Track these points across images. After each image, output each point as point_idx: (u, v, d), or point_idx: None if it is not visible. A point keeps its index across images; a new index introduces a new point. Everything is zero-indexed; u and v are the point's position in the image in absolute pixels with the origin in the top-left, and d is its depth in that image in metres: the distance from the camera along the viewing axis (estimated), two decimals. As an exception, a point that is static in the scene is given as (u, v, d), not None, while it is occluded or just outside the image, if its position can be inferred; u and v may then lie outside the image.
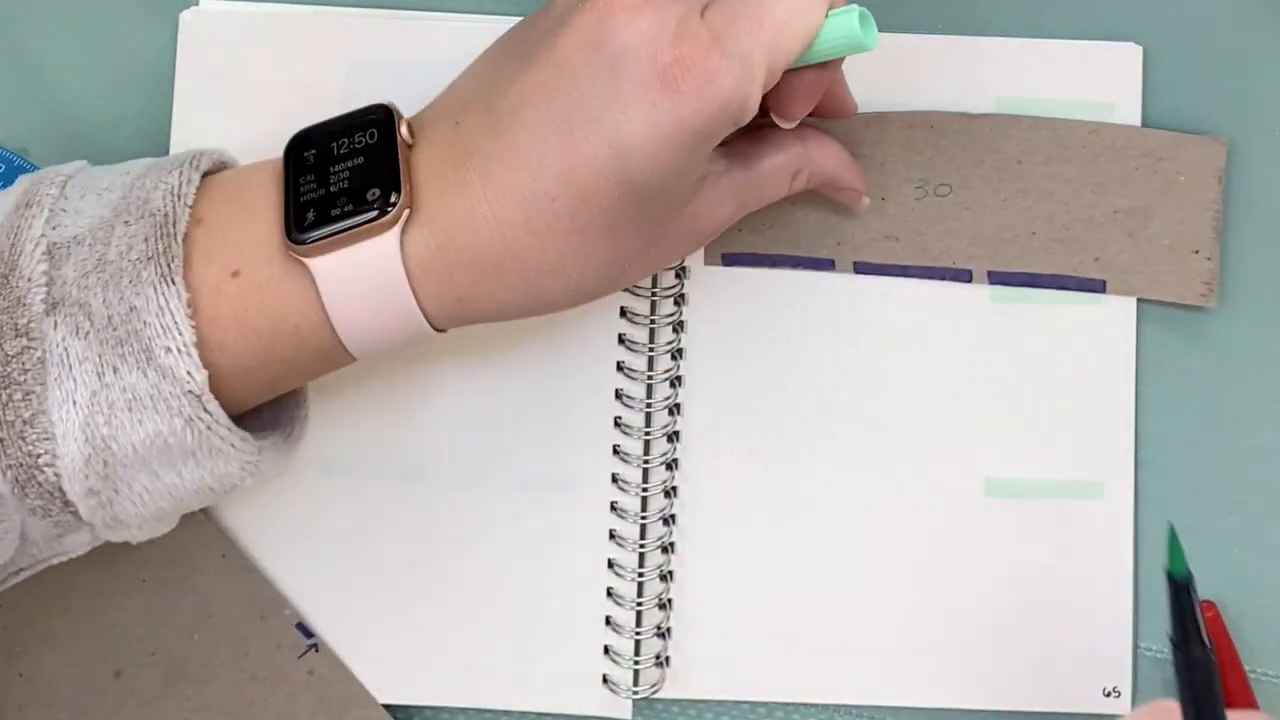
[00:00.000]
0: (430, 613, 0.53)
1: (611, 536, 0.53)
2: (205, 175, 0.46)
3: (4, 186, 0.53)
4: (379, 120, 0.46)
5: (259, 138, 0.53)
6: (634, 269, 0.47)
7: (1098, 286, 0.53)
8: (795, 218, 0.53)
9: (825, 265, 0.53)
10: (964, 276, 0.53)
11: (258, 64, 0.54)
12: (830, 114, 0.50)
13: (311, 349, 0.45)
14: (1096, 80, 0.53)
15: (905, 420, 0.53)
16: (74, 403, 0.43)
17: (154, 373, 0.43)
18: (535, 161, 0.43)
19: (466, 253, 0.44)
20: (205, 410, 0.43)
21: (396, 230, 0.44)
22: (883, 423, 0.53)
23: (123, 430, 0.43)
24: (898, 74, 0.54)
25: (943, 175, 0.53)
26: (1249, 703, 0.51)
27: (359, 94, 0.51)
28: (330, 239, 0.44)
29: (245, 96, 0.53)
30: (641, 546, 0.53)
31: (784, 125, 0.48)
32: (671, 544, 0.53)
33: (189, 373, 0.43)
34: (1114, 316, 0.53)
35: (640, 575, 0.53)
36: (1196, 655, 0.42)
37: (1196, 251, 0.52)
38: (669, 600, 0.53)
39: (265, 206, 0.45)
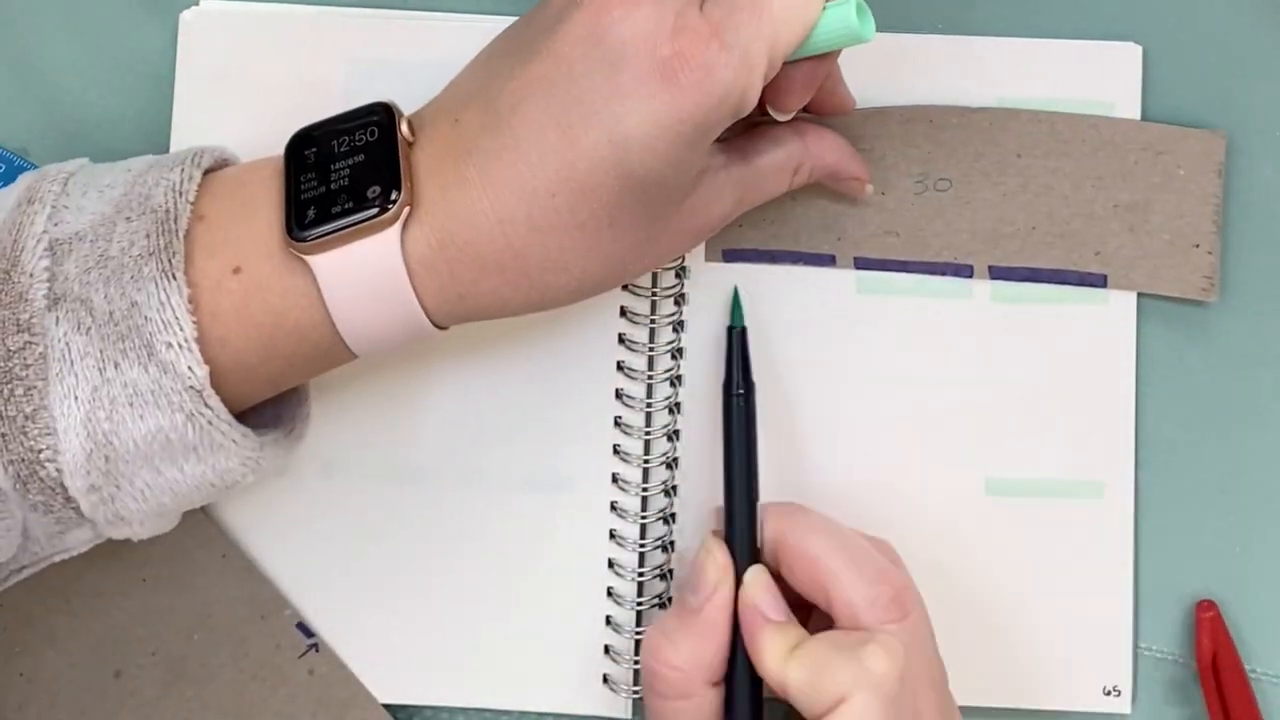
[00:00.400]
0: (430, 612, 0.53)
1: (611, 536, 0.53)
2: (207, 172, 0.46)
3: (4, 186, 0.53)
4: (380, 118, 0.46)
5: (259, 137, 0.53)
6: (635, 264, 0.47)
7: (1099, 281, 0.53)
8: (795, 213, 0.53)
9: (826, 261, 0.53)
10: (965, 272, 0.53)
11: (258, 64, 0.54)
12: (829, 111, 0.50)
13: (312, 345, 0.45)
14: (1096, 80, 0.53)
15: (905, 419, 0.53)
16: (75, 398, 0.43)
17: (155, 368, 0.43)
18: (535, 157, 0.43)
19: (467, 249, 0.44)
20: (206, 405, 0.43)
21: (397, 227, 0.44)
22: (883, 422, 0.53)
23: (124, 425, 0.43)
24: (898, 74, 0.54)
25: (942, 170, 0.53)
26: (1249, 702, 0.51)
27: (359, 94, 0.51)
28: (331, 236, 0.44)
29: (245, 96, 0.53)
30: (641, 546, 0.53)
31: (780, 118, 0.48)
32: (671, 543, 0.53)
33: (190, 368, 0.43)
34: (1114, 316, 0.53)
35: (640, 575, 0.53)
36: (736, 393, 0.51)
37: (1197, 245, 0.53)
38: (669, 599, 0.53)
39: (266, 203, 0.45)
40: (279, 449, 0.48)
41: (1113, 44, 0.54)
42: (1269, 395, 0.53)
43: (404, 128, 0.45)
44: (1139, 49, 0.54)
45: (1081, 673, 0.53)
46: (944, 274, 0.53)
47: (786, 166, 0.50)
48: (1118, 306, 0.53)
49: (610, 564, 0.53)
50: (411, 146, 0.45)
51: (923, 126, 0.53)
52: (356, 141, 0.45)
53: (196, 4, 0.54)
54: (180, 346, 0.43)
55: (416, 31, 0.54)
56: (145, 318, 0.43)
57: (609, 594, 0.53)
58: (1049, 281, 0.53)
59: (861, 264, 0.53)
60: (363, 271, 0.44)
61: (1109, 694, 0.52)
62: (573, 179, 0.43)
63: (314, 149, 0.46)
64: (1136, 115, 0.53)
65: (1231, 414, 0.53)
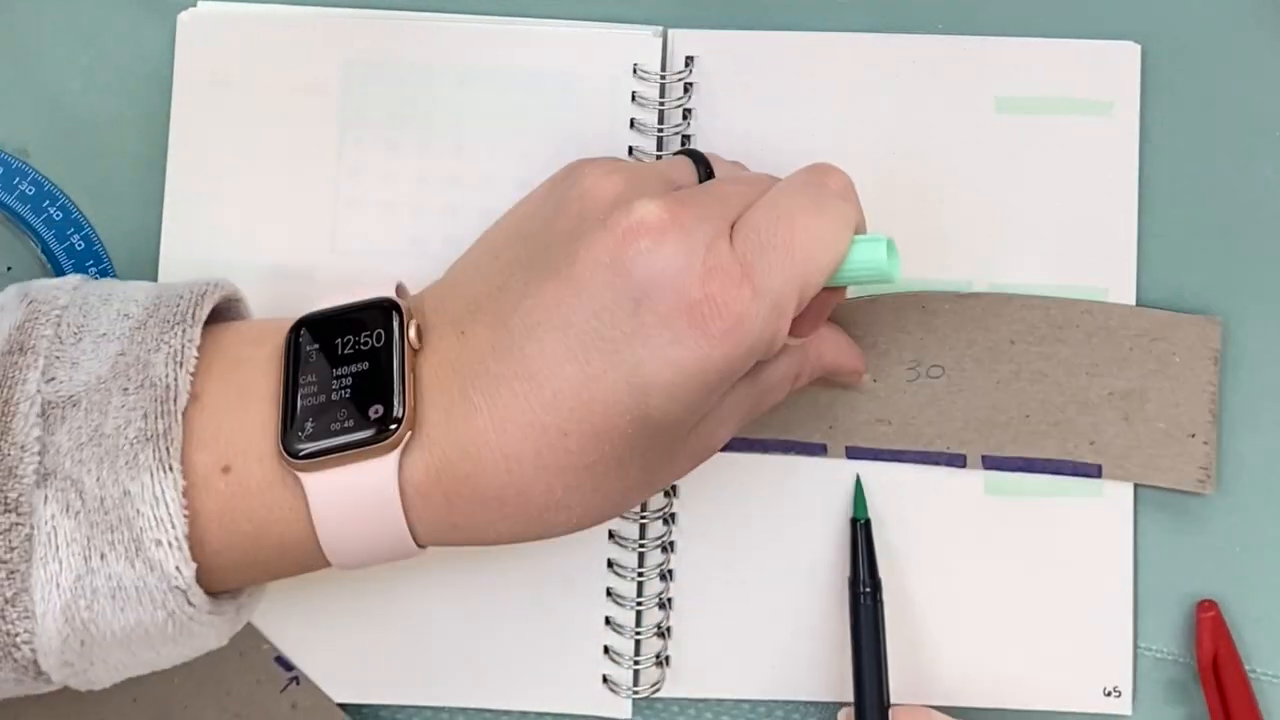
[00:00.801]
0: (430, 613, 0.53)
1: (611, 536, 0.53)
2: (211, 317, 0.45)
3: (2, 188, 0.53)
4: (386, 318, 0.44)
5: (257, 138, 0.53)
6: (637, 496, 0.46)
7: (1093, 471, 0.52)
8: (786, 402, 0.50)
9: (817, 450, 0.53)
10: (958, 461, 0.53)
11: (255, 65, 0.53)
12: None
13: (292, 559, 0.43)
14: (1095, 79, 0.53)
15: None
16: (58, 585, 0.41)
17: (141, 564, 0.41)
18: (549, 393, 0.41)
19: (468, 482, 0.42)
20: (189, 603, 0.42)
21: (396, 454, 0.42)
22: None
23: (103, 616, 0.41)
24: (898, 74, 0.54)
25: (935, 357, 0.53)
26: (1249, 702, 0.51)
27: (357, 95, 0.52)
28: (326, 456, 0.42)
29: (243, 97, 0.53)
30: (641, 546, 0.53)
31: (792, 344, 0.46)
32: (671, 543, 0.53)
33: (177, 568, 0.41)
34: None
35: (640, 575, 0.53)
36: (863, 590, 0.51)
37: (1193, 435, 0.52)
38: (669, 599, 0.53)
39: (263, 395, 0.43)
40: (254, 601, 0.46)
41: (1112, 43, 0.54)
42: (1269, 397, 0.53)
43: (411, 332, 0.43)
44: (1138, 48, 0.54)
45: (1081, 673, 0.53)
46: (937, 464, 0.53)
47: (789, 375, 0.48)
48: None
49: (610, 564, 0.53)
50: (417, 354, 0.43)
51: (915, 313, 0.53)
52: (362, 344, 0.43)
53: (194, 5, 0.54)
54: (170, 545, 0.41)
55: (414, 33, 0.54)
56: (137, 510, 0.41)
57: (609, 594, 0.53)
58: (1043, 472, 0.53)
59: (853, 453, 0.53)
60: (356, 495, 0.42)
61: (1109, 695, 0.52)
62: (587, 420, 0.41)
63: (317, 345, 0.43)
64: (1135, 115, 0.53)
65: (1231, 414, 0.53)
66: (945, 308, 0.53)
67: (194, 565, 0.41)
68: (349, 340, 0.43)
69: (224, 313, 0.47)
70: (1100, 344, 0.52)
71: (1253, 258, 0.54)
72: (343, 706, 0.53)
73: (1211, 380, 0.52)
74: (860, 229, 0.45)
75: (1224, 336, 0.53)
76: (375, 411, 0.42)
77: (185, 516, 0.41)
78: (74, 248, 0.53)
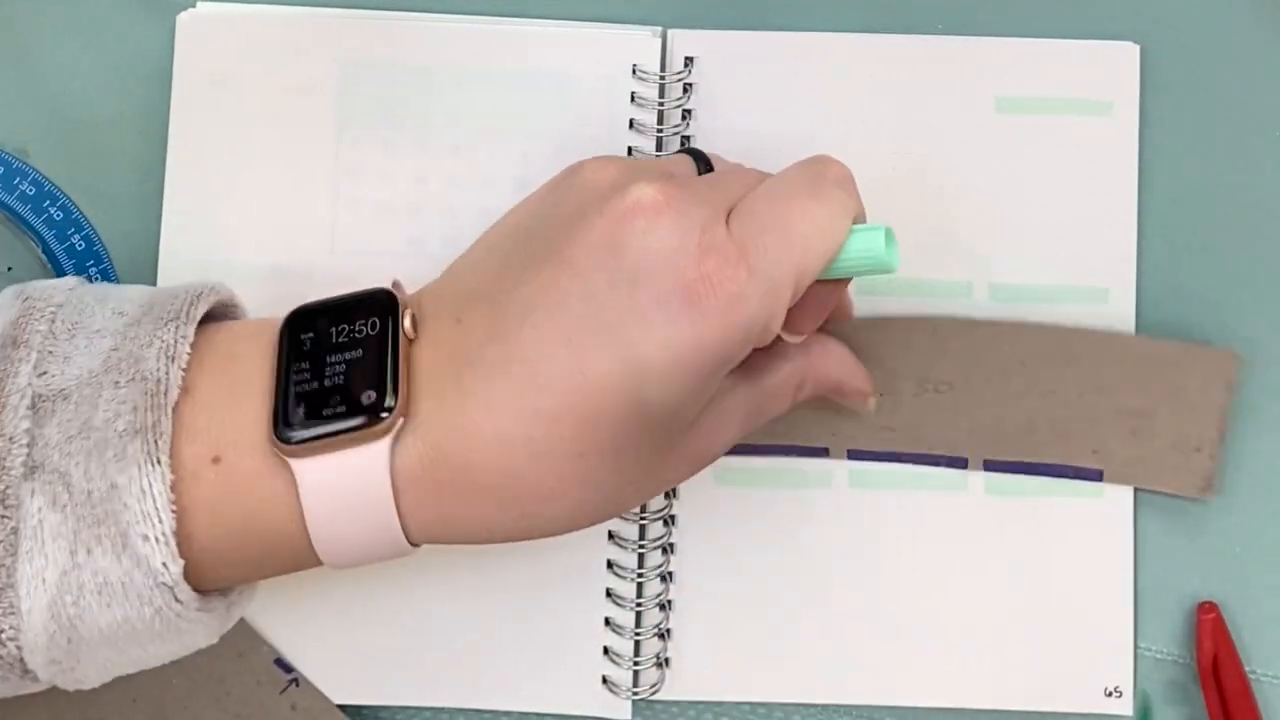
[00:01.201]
0: (429, 614, 0.53)
1: (611, 537, 0.53)
2: (205, 319, 0.44)
3: (2, 188, 0.53)
4: (381, 307, 0.43)
5: (256, 138, 0.53)
6: (632, 497, 0.45)
7: (1094, 475, 0.52)
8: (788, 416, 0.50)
9: (820, 453, 0.53)
10: (959, 463, 0.52)
11: (254, 65, 0.54)
12: (828, 318, 0.47)
13: (283, 554, 0.43)
14: (1095, 79, 0.53)
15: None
16: (43, 580, 0.40)
17: (128, 559, 0.40)
18: (543, 378, 0.41)
19: (460, 471, 0.42)
20: (177, 600, 0.41)
21: (388, 440, 0.41)
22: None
23: (90, 612, 0.41)
24: (898, 74, 0.54)
25: (943, 373, 0.52)
26: (1249, 704, 0.51)
27: (354, 95, 0.52)
28: (318, 441, 0.41)
29: (242, 97, 0.53)
30: (641, 547, 0.53)
31: (792, 340, 0.46)
32: (671, 544, 0.53)
33: (164, 564, 0.41)
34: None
35: (640, 576, 0.53)
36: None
37: (1199, 450, 0.52)
38: (669, 601, 0.53)
39: (255, 387, 0.43)
40: (245, 599, 0.46)
41: (1111, 44, 0.54)
42: (1268, 398, 0.53)
43: (406, 322, 0.43)
44: (1136, 48, 0.54)
45: (1081, 673, 0.52)
46: (937, 465, 0.53)
47: (791, 383, 0.47)
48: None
49: (610, 565, 0.53)
50: (413, 343, 0.43)
51: (925, 336, 0.52)
52: (356, 333, 0.43)
53: (193, 5, 0.54)
54: (156, 540, 0.40)
55: (412, 33, 0.54)
56: (124, 504, 0.40)
57: (609, 595, 0.53)
58: (1044, 475, 0.52)
59: (855, 455, 0.53)
60: (346, 481, 0.41)
61: (1109, 695, 0.52)
62: (580, 404, 0.41)
63: (310, 335, 0.43)
64: (1134, 114, 0.53)
65: (1233, 417, 0.53)
66: (955, 331, 0.53)
67: (181, 562, 0.41)
68: (343, 329, 0.43)
69: (219, 317, 0.47)
70: (1112, 367, 0.52)
71: (1252, 257, 0.54)
72: (342, 707, 0.53)
73: (1223, 406, 0.52)
74: (859, 220, 0.44)
75: (1223, 336, 0.53)
76: (368, 398, 0.42)
77: (173, 511, 0.41)
78: (74, 248, 0.53)
